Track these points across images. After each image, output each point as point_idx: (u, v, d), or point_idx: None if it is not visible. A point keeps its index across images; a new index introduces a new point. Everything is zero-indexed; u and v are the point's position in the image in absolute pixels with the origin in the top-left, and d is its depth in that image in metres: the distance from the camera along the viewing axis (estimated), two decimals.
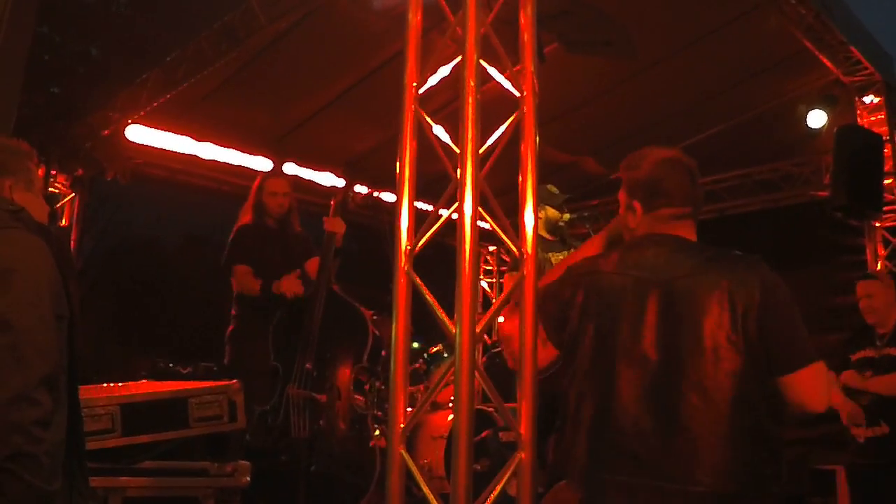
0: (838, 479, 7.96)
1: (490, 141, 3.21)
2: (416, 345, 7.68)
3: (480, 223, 3.00)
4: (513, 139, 3.21)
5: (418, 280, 3.04)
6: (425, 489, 2.90)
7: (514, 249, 3.10)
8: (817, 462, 8.23)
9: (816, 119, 8.72)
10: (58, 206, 8.32)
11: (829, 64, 8.18)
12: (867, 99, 8.69)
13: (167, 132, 8.32)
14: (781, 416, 2.84)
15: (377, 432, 5.50)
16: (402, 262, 3.06)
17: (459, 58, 3.10)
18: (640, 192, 3.11)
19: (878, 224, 8.97)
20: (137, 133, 8.10)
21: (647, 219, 3.09)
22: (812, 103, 8.74)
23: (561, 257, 6.33)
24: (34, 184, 3.16)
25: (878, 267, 8.88)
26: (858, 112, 8.72)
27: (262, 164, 8.76)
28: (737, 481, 2.72)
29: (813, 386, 2.83)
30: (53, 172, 8.13)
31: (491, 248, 12.26)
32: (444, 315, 2.94)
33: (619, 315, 2.93)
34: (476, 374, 2.88)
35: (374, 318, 5.85)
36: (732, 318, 2.78)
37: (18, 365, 2.61)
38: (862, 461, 5.93)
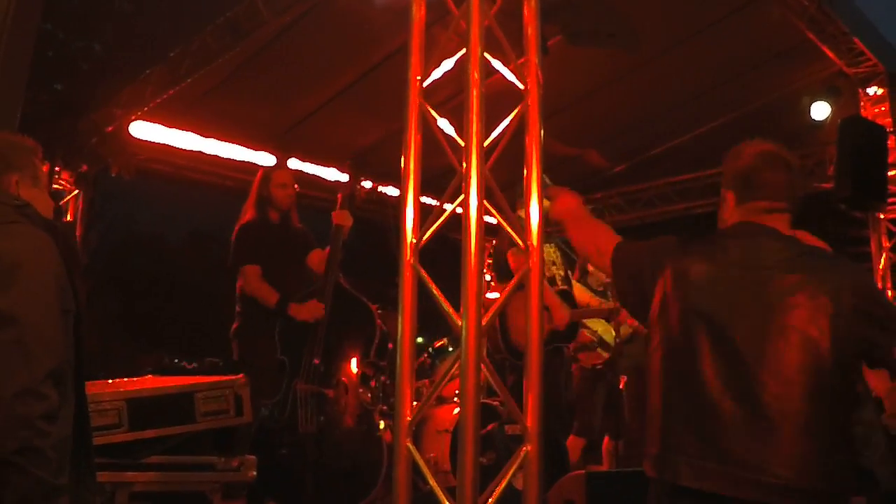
0: None
1: (494, 134, 3.21)
2: (419, 340, 7.68)
3: (485, 217, 3.02)
4: (517, 132, 3.22)
5: (424, 273, 3.04)
6: (432, 482, 2.91)
7: (520, 242, 3.11)
8: None
9: (820, 110, 8.72)
10: (62, 202, 8.33)
11: (832, 55, 8.17)
12: (871, 90, 8.69)
13: (171, 128, 8.32)
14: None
15: (382, 425, 5.50)
16: (408, 256, 3.06)
17: (463, 51, 3.10)
18: (735, 182, 3.10)
19: (882, 215, 8.96)
20: (141, 129, 8.10)
21: (740, 210, 3.08)
22: (815, 95, 8.74)
23: (550, 251, 6.37)
24: (40, 179, 3.18)
25: (882, 259, 8.86)
26: (862, 103, 8.72)
27: (267, 159, 8.76)
28: (813, 477, 2.72)
29: None
30: (58, 169, 8.13)
31: (495, 242, 12.24)
32: (450, 308, 2.95)
33: (708, 301, 2.93)
34: (482, 367, 2.89)
35: (379, 312, 5.85)
36: (823, 314, 2.79)
37: (25, 359, 2.62)
38: None
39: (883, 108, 8.66)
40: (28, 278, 2.72)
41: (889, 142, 8.43)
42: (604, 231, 3.43)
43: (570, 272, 6.67)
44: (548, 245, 6.44)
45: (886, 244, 8.94)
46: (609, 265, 3.29)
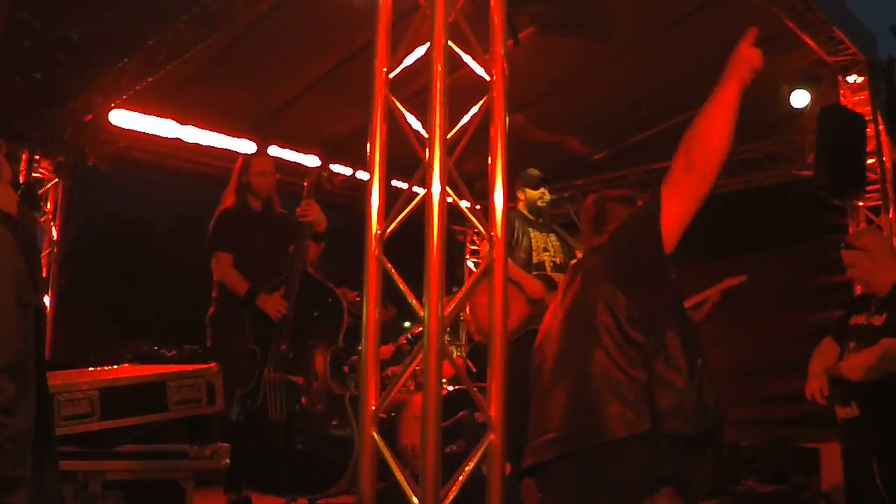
0: (822, 457, 8.02)
1: (460, 125, 3.24)
2: (407, 324, 7.71)
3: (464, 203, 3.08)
4: (485, 123, 3.24)
5: (389, 265, 3.07)
6: (396, 472, 2.93)
7: (484, 231, 3.13)
8: (800, 440, 8.29)
9: (800, 99, 8.74)
10: (41, 191, 8.31)
11: (812, 44, 8.19)
12: (850, 79, 8.73)
13: (150, 116, 8.31)
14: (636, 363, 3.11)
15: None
16: (373, 247, 3.09)
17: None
18: None
19: (860, 203, 8.98)
20: (121, 117, 8.09)
21: None
22: (796, 83, 8.76)
23: (542, 237, 6.37)
24: (3, 174, 3.17)
25: None
26: (842, 92, 8.76)
27: (246, 146, 8.73)
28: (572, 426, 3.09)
29: None
30: (37, 158, 8.12)
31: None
32: (413, 299, 2.97)
33: None
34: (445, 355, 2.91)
35: (358, 299, 5.84)
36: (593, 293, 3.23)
37: None
38: (843, 444, 5.39)
39: (862, 97, 8.70)
40: None
41: (868, 130, 8.47)
42: None
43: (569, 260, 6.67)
44: (545, 233, 6.43)
45: None
46: None
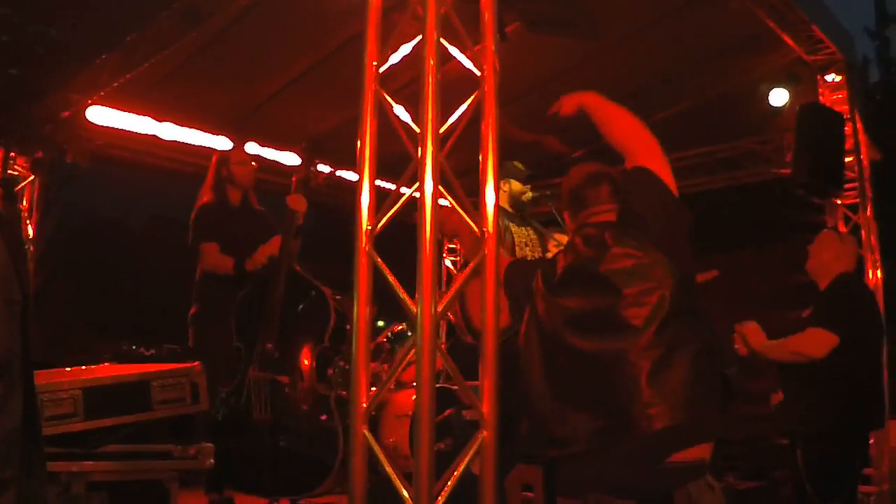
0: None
1: (451, 120, 3.21)
2: (380, 323, 7.68)
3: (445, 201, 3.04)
4: (474, 118, 3.22)
5: (379, 260, 3.04)
6: (389, 470, 2.91)
7: (476, 228, 3.11)
8: (779, 437, 8.30)
9: (778, 97, 8.79)
10: (17, 188, 8.23)
11: (791, 43, 8.21)
12: (829, 77, 8.75)
13: (128, 113, 8.24)
14: None
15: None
16: (363, 243, 3.06)
17: (420, 37, 3.10)
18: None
19: (839, 202, 9.03)
20: (98, 114, 8.03)
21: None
22: (775, 82, 8.80)
23: (522, 232, 6.34)
24: None
25: None
26: (820, 90, 8.78)
27: (224, 143, 8.71)
28: None
29: None
30: (13, 155, 8.04)
31: None
32: (405, 295, 2.95)
33: None
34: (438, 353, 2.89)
35: (337, 297, 5.81)
36: None
37: None
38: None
39: (841, 96, 8.73)
40: None
41: (846, 128, 8.50)
42: None
43: (546, 255, 6.65)
44: (523, 228, 6.42)
45: (843, 230, 9.01)
46: None
